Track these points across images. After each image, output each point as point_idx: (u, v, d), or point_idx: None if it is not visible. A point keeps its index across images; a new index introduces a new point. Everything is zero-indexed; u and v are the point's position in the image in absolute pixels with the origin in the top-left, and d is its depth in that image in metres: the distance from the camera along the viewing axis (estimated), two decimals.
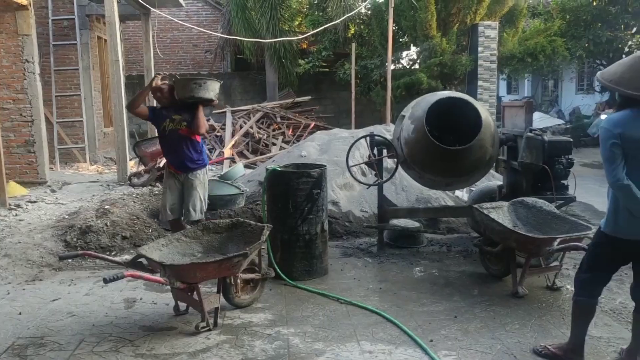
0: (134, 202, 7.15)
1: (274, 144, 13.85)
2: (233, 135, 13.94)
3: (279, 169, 5.20)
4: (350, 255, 5.97)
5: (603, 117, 15.65)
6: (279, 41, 15.76)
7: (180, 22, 14.16)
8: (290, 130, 14.72)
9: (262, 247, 4.51)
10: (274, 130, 14.65)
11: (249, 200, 7.47)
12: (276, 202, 5.13)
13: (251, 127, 14.19)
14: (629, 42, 17.37)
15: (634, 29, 17.34)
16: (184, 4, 14.07)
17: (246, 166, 11.59)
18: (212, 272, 3.91)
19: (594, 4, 17.41)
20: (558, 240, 4.42)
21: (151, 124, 5.77)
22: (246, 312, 4.35)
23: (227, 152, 13.07)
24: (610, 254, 3.29)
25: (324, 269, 5.28)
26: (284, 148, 13.02)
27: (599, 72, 3.31)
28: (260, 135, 13.93)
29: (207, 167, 5.41)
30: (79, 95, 12.65)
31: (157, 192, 7.95)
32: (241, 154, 13.45)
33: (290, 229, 5.06)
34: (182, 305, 4.33)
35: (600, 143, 3.15)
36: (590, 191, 8.72)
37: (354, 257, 5.93)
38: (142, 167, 10.02)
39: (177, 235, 4.40)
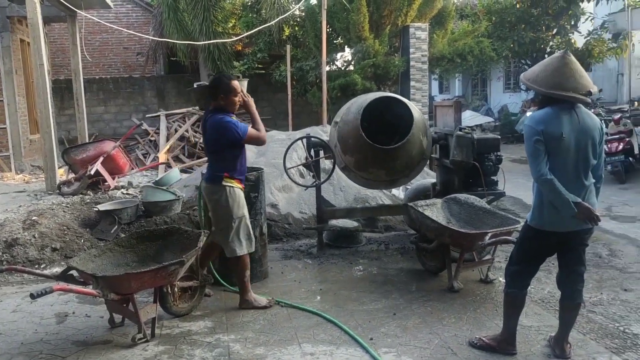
0: (64, 211, 6.85)
1: None
2: (168, 139, 13.63)
3: None
4: (291, 258, 5.96)
5: (529, 114, 16.35)
6: (212, 43, 15.54)
7: (108, 24, 13.71)
8: None
9: (200, 253, 4.42)
10: None
11: (186, 206, 7.31)
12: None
13: (187, 131, 13.92)
14: (550, 43, 18.28)
15: (555, 30, 18.26)
16: (112, 6, 13.63)
17: (182, 171, 11.37)
18: (148, 281, 3.80)
19: (518, 6, 18.19)
20: (489, 234, 4.56)
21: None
22: (185, 321, 4.25)
23: (162, 157, 12.77)
24: (537, 246, 3.43)
25: (264, 272, 5.24)
26: None
27: (522, 73, 3.46)
28: (197, 139, 13.69)
29: None
30: (2, 101, 12.02)
31: (88, 200, 7.66)
32: (177, 159, 13.17)
33: None
34: (118, 317, 4.18)
35: (524, 140, 3.29)
36: (519, 186, 9.08)
37: (294, 259, 5.92)
38: (72, 175, 9.64)
39: (110, 245, 4.25)
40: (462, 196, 5.26)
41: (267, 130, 13.89)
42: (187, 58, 17.39)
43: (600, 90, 18.53)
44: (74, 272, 3.88)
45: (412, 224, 6.15)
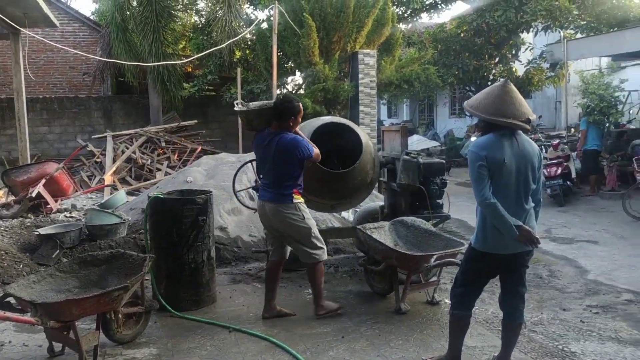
0: (2, 235, 6.58)
1: (159, 170, 13.43)
2: (114, 161, 13.33)
3: (162, 196, 5.04)
4: (239, 282, 5.90)
5: (473, 139, 16.87)
6: (162, 65, 15.38)
7: (54, 43, 13.38)
8: (176, 155, 14.36)
9: (146, 278, 4.33)
10: (158, 155, 14.21)
11: (132, 229, 7.15)
12: (160, 231, 4.97)
13: (134, 152, 13.67)
14: (493, 71, 19.02)
15: (497, 59, 19.02)
16: (58, 24, 13.31)
17: (129, 193, 11.13)
18: (90, 308, 3.68)
19: (462, 35, 18.89)
20: (435, 256, 4.66)
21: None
22: (129, 348, 4.13)
23: (108, 179, 12.47)
24: (481, 268, 3.53)
25: (212, 297, 5.16)
26: (169, 173, 12.66)
27: (466, 101, 3.60)
28: (144, 161, 13.46)
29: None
30: None
31: (28, 223, 7.38)
32: (124, 181, 12.89)
33: (175, 258, 4.92)
34: (58, 346, 4.02)
35: (469, 164, 3.40)
36: (463, 209, 9.32)
37: (243, 283, 5.86)
38: (12, 198, 9.27)
39: (51, 270, 4.11)
40: (409, 219, 5.37)
41: (216, 153, 13.83)
42: (136, 79, 17.13)
43: (539, 117, 19.38)
44: (11, 299, 3.72)
45: (361, 247, 6.20)
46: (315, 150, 4.62)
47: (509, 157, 3.31)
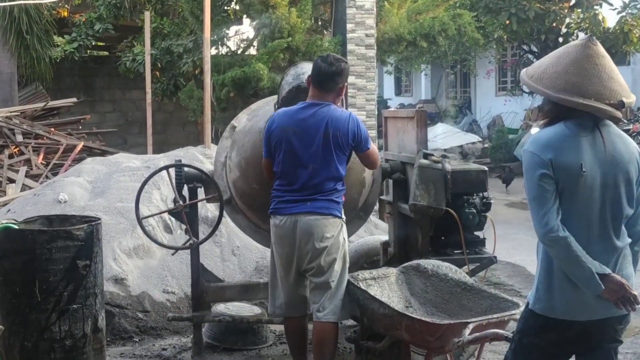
0: None
1: (12, 181, 13.30)
2: None
3: (16, 226, 5.01)
4: None
5: (535, 131, 17.04)
6: (16, 4, 15.29)
7: None
8: (41, 157, 14.23)
9: None
10: (11, 156, 14.07)
11: None
12: (12, 284, 4.94)
13: None
14: (567, 20, 19.11)
15: (573, 1, 19.17)
16: None
17: None
18: None
19: None
20: (472, 325, 4.66)
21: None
22: None
23: None
24: (546, 344, 3.52)
25: None
26: (30, 187, 12.53)
27: (524, 69, 3.64)
28: None
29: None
30: None
31: None
32: None
33: (37, 331, 4.88)
34: None
35: (524, 174, 3.42)
36: (519, 245, 9.41)
37: None
38: None
39: None
40: (430, 264, 5.37)
41: (109, 153, 13.76)
42: None
43: None
44: None
45: (351, 310, 6.20)
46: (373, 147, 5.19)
47: (590, 163, 3.33)
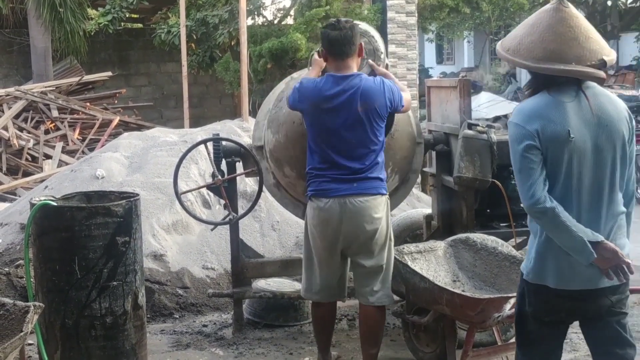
0: None
1: (48, 157, 13.44)
2: None
3: (55, 203, 5.04)
4: (188, 347, 5.94)
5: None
6: None
7: None
8: (77, 132, 14.37)
9: (29, 342, 4.33)
10: (47, 132, 14.21)
11: (4, 258, 7.17)
12: (51, 262, 4.95)
13: (5, 128, 13.68)
14: None
15: None
16: None
17: None
18: None
19: None
20: (512, 301, 4.62)
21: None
22: None
23: None
24: (541, 314, 3.50)
25: None
26: (66, 163, 12.66)
27: (500, 41, 3.61)
28: (23, 142, 13.47)
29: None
30: None
31: None
32: None
33: (77, 308, 4.91)
34: None
35: (510, 146, 3.42)
36: None
37: (193, 348, 5.89)
38: None
39: None
40: (478, 237, 5.35)
41: (145, 127, 13.83)
42: (7, 5, 17.10)
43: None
44: None
45: (395, 284, 6.19)
46: (405, 95, 5.06)
47: (577, 129, 3.33)
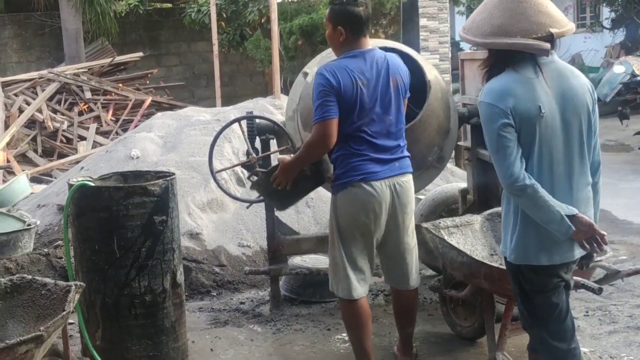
0: None
1: (82, 139, 13.53)
2: (7, 126, 13.48)
3: (92, 184, 5.09)
4: (226, 324, 5.97)
5: (618, 69, 16.66)
6: None
7: None
8: (111, 113, 14.45)
9: (70, 321, 4.39)
10: (80, 113, 14.30)
11: (43, 240, 7.24)
12: (90, 242, 5.02)
13: (40, 111, 13.78)
14: None
15: None
16: None
17: (35, 179, 11.23)
18: None
19: None
20: None
21: None
22: None
23: None
24: (539, 288, 3.61)
25: (181, 350, 5.24)
26: (101, 144, 12.75)
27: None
28: (58, 124, 13.57)
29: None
30: None
31: None
32: (24, 158, 13.02)
33: (117, 287, 4.97)
34: None
35: (483, 126, 3.50)
36: (603, 190, 9.19)
37: (231, 325, 5.93)
38: None
39: None
40: None
41: (178, 107, 13.87)
42: None
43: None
44: None
45: (430, 259, 6.19)
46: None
47: (547, 104, 3.44)
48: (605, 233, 3.43)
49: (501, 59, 3.50)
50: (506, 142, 3.38)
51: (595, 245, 3.42)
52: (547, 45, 3.38)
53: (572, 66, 3.64)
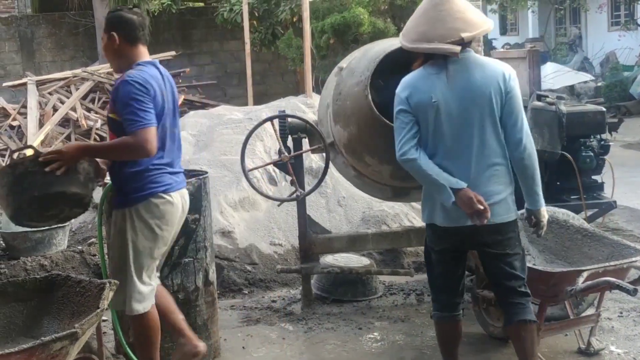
0: None
1: None
2: (42, 123, 13.59)
3: None
4: (258, 322, 5.99)
5: None
6: None
7: None
8: None
9: (103, 319, 4.42)
10: None
11: (77, 237, 7.30)
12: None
13: (73, 109, 13.88)
14: None
15: None
16: None
17: None
18: None
19: None
20: (585, 273, 4.58)
21: None
22: None
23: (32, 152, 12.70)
24: (440, 250, 4.33)
25: (213, 348, 5.26)
26: None
27: None
28: (91, 122, 13.65)
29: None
30: None
31: None
32: None
33: None
34: None
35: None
36: (638, 189, 9.17)
37: (263, 323, 5.95)
38: None
39: None
40: (547, 210, 5.27)
41: (210, 105, 13.90)
42: None
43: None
44: None
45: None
46: None
47: (441, 95, 4.08)
48: (484, 208, 3.99)
49: (425, 60, 4.20)
50: (400, 124, 4.17)
51: (476, 217, 4.03)
52: (457, 48, 4.01)
53: (492, 59, 4.33)
